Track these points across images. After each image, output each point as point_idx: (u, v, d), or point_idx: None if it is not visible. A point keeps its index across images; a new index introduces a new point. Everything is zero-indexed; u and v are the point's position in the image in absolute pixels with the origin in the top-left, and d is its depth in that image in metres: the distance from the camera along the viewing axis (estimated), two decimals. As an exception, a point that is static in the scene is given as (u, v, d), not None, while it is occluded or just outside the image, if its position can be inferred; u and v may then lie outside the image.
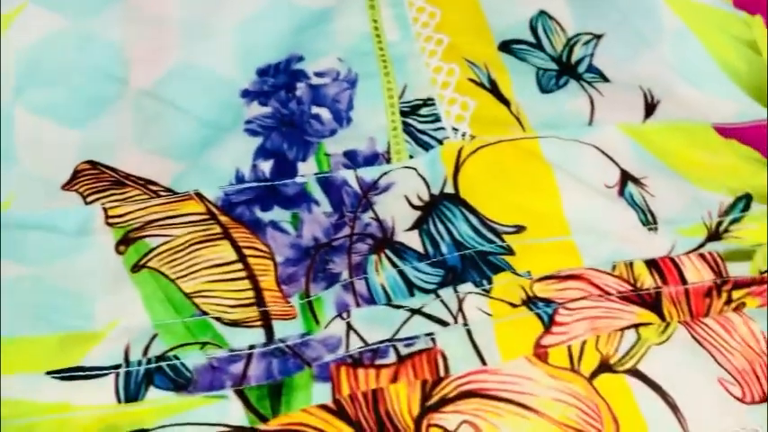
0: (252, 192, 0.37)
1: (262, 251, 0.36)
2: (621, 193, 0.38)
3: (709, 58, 0.42)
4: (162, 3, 0.41)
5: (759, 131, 0.40)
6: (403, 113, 0.40)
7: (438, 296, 0.35)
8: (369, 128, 0.39)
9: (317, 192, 0.38)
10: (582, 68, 0.42)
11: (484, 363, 0.33)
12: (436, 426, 0.32)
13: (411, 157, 0.39)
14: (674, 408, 0.33)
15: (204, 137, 0.39)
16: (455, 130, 0.39)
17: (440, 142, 0.39)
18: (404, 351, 0.34)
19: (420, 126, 0.39)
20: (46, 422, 0.31)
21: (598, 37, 0.43)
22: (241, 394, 0.32)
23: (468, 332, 0.34)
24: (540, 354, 0.34)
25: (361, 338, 0.34)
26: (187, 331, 0.34)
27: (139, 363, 0.33)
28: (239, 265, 0.35)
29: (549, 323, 0.34)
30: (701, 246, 0.37)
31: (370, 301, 0.35)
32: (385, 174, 0.38)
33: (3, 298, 0.34)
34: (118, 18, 0.41)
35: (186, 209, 0.37)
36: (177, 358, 0.33)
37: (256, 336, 0.34)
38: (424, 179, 0.38)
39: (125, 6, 0.41)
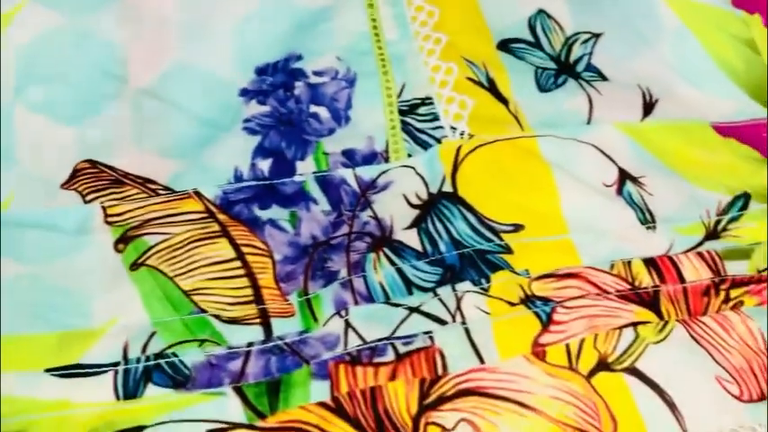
0: (250, 190, 0.37)
1: (260, 249, 0.36)
2: (620, 191, 0.38)
3: (708, 57, 0.42)
4: (160, 2, 0.41)
5: (757, 130, 0.40)
6: (401, 112, 0.40)
7: (436, 294, 0.35)
8: (367, 127, 0.39)
9: (315, 190, 0.38)
10: (580, 67, 0.42)
11: (482, 361, 0.33)
12: (434, 424, 0.32)
13: (409, 155, 0.39)
14: (671, 406, 0.33)
15: (203, 136, 0.39)
16: (453, 128, 0.39)
17: (438, 141, 0.39)
18: (402, 349, 0.34)
19: (418, 125, 0.40)
20: (45, 419, 0.31)
21: (597, 36, 0.43)
22: (239, 391, 0.32)
23: (467, 331, 0.34)
24: (538, 352, 0.34)
25: (360, 336, 0.34)
26: (186, 329, 0.34)
27: (138, 360, 0.33)
28: (238, 263, 0.35)
29: (547, 322, 0.34)
30: (700, 244, 0.37)
31: (369, 299, 0.35)
32: (383, 172, 0.38)
33: (2, 296, 0.34)
34: (116, 17, 0.41)
35: (185, 207, 0.37)
36: (176, 356, 0.33)
37: (255, 333, 0.34)
38: (422, 178, 0.38)
39: (123, 5, 0.41)
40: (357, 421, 0.32)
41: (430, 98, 0.40)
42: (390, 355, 0.33)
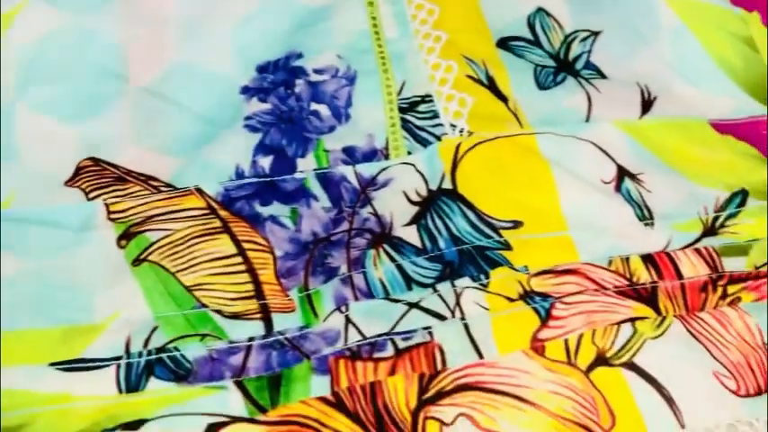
0: (251, 187, 0.38)
1: (261, 245, 0.36)
2: (618, 188, 0.38)
3: (706, 55, 0.42)
4: (161, 1, 0.42)
5: (756, 127, 0.41)
6: (401, 110, 0.40)
7: (436, 290, 0.35)
8: (367, 124, 0.40)
9: (315, 187, 0.38)
10: (579, 65, 0.42)
11: (481, 356, 0.34)
12: (433, 418, 0.32)
13: (409, 153, 0.39)
14: (669, 400, 0.33)
15: (204, 133, 0.39)
16: (453, 126, 0.40)
17: (438, 138, 0.39)
18: (402, 344, 0.34)
19: (418, 122, 0.40)
20: (47, 412, 0.32)
21: (596, 34, 0.43)
22: (240, 385, 0.33)
23: (466, 326, 0.34)
24: (537, 347, 0.34)
25: (360, 332, 0.34)
26: (187, 323, 0.34)
27: (140, 354, 0.33)
28: (239, 259, 0.36)
29: (545, 317, 0.34)
30: (697, 241, 0.37)
31: (369, 294, 0.35)
32: (383, 170, 0.38)
33: (5, 292, 0.34)
34: (117, 16, 0.41)
35: (187, 204, 0.37)
36: (177, 350, 0.33)
37: (255, 328, 0.34)
38: (422, 175, 0.38)
39: (124, 5, 0.41)
40: (357, 416, 0.32)
41: (430, 96, 0.40)
42: (390, 351, 0.34)
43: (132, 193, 0.37)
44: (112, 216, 0.37)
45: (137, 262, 0.35)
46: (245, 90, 0.40)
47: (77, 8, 0.41)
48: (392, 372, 0.33)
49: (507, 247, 0.37)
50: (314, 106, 0.40)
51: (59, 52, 0.40)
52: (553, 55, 0.42)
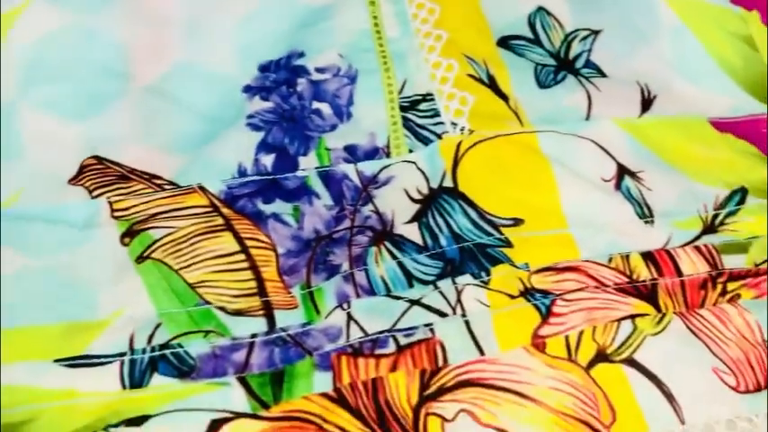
0: (254, 185, 0.38)
1: (263, 242, 0.36)
2: (618, 186, 0.38)
3: (706, 53, 0.42)
4: (163, 1, 0.42)
5: (755, 126, 0.41)
6: (402, 108, 0.40)
7: (437, 287, 0.35)
8: (369, 123, 0.40)
9: (317, 185, 0.38)
10: (579, 64, 0.42)
11: (482, 353, 0.34)
12: (434, 414, 0.33)
13: (410, 151, 0.39)
14: (669, 396, 0.33)
15: (207, 131, 0.39)
16: (454, 124, 0.40)
17: (439, 137, 0.39)
18: (403, 341, 0.34)
19: (419, 121, 0.40)
20: (52, 408, 0.32)
21: (596, 33, 0.43)
22: (243, 381, 0.33)
23: (467, 323, 0.34)
24: (538, 344, 0.34)
25: (362, 328, 0.34)
26: (191, 320, 0.34)
27: (144, 351, 0.33)
28: (242, 256, 0.36)
29: (546, 314, 0.35)
30: (697, 238, 0.37)
31: (370, 291, 0.35)
32: (385, 168, 0.39)
33: (9, 288, 0.34)
34: (119, 15, 0.41)
35: (190, 202, 0.37)
36: (181, 346, 0.33)
37: (258, 325, 0.34)
38: (423, 173, 0.39)
39: (126, 4, 0.41)
40: (358, 412, 0.33)
41: (431, 94, 0.41)
42: (391, 347, 0.34)
43: (136, 191, 0.37)
44: (116, 214, 0.37)
45: (140, 259, 0.36)
46: (248, 89, 0.40)
47: (79, 8, 0.41)
48: (394, 368, 0.33)
49: (508, 244, 0.37)
50: (316, 105, 0.40)
51: (62, 51, 0.40)
52: (553, 54, 0.42)
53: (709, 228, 0.38)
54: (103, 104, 0.40)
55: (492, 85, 0.41)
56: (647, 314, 0.35)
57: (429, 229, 0.37)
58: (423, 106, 0.40)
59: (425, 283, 0.36)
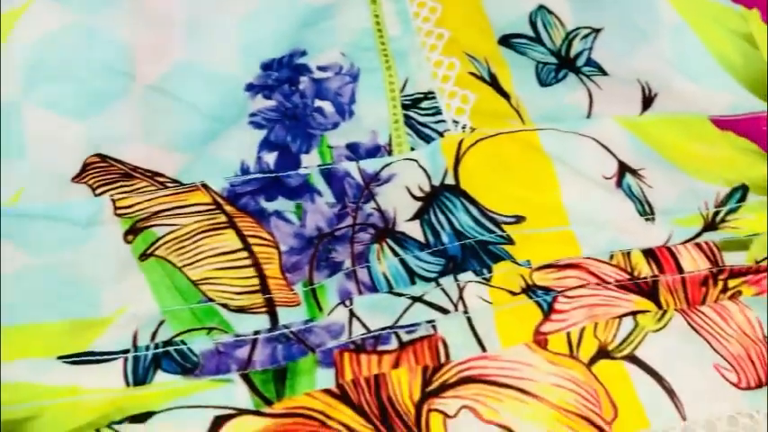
0: (256, 183, 0.38)
1: (266, 240, 0.36)
2: (619, 184, 0.39)
3: (707, 51, 0.42)
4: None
5: (756, 123, 0.41)
6: (404, 106, 0.40)
7: (439, 284, 0.36)
8: (371, 121, 0.40)
9: (320, 183, 0.38)
10: (581, 62, 0.42)
11: (484, 349, 0.34)
12: (436, 411, 0.33)
13: (412, 149, 0.39)
14: (670, 393, 0.33)
15: (210, 130, 0.39)
16: (455, 122, 0.40)
17: (440, 135, 0.39)
18: (405, 338, 0.34)
19: (421, 119, 0.40)
20: (55, 405, 0.32)
21: (597, 31, 0.43)
22: (246, 378, 0.33)
23: (469, 320, 0.35)
24: (540, 340, 0.34)
25: (364, 325, 0.34)
26: (194, 317, 0.34)
27: (147, 348, 0.33)
28: (244, 254, 0.36)
29: (548, 311, 0.35)
30: (698, 235, 0.38)
31: (373, 289, 0.35)
32: (387, 165, 0.39)
33: (13, 286, 0.34)
34: (122, 15, 0.41)
35: (193, 199, 0.37)
36: (184, 343, 0.34)
37: (261, 322, 0.34)
38: (425, 171, 0.39)
39: (129, 3, 0.41)
40: (361, 408, 0.33)
41: (432, 93, 0.41)
42: (394, 344, 0.34)
43: (139, 188, 0.37)
44: (119, 212, 0.37)
45: (144, 257, 0.36)
46: (250, 87, 0.41)
47: (81, 7, 0.41)
48: (396, 365, 0.34)
49: (510, 241, 0.37)
50: (318, 103, 0.40)
51: (63, 51, 0.40)
52: (554, 52, 0.42)
53: (710, 225, 0.38)
54: (106, 103, 0.40)
55: (493, 83, 0.41)
56: (648, 311, 0.35)
57: (431, 226, 0.37)
58: (424, 104, 0.40)
59: (427, 280, 0.36)
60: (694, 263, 0.37)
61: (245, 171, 0.38)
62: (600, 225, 0.37)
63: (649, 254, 0.37)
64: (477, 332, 0.34)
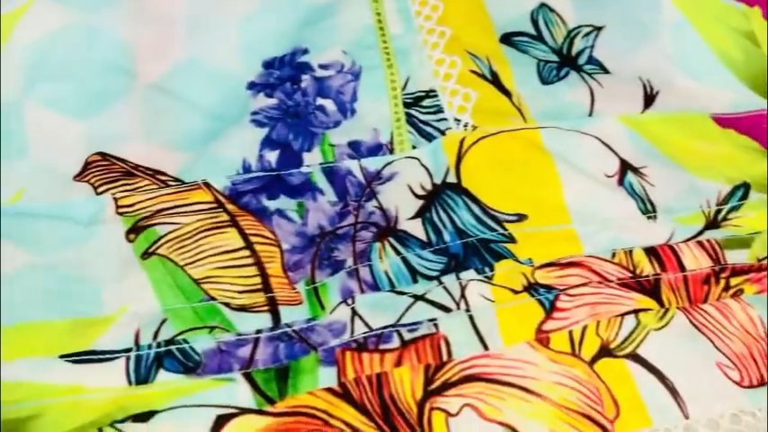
0: (258, 181, 0.38)
1: (268, 238, 0.36)
2: (621, 182, 0.39)
3: (708, 49, 0.42)
4: None
5: (757, 121, 0.41)
6: (406, 105, 0.40)
7: (441, 283, 0.36)
8: (372, 119, 0.40)
9: (321, 181, 0.38)
10: (582, 60, 0.42)
11: (486, 348, 0.34)
12: (439, 409, 0.33)
13: (414, 147, 0.39)
14: (673, 391, 0.33)
15: (211, 128, 0.39)
16: (457, 120, 0.40)
17: (442, 133, 0.39)
18: (407, 336, 0.34)
19: (422, 117, 0.40)
20: (58, 404, 0.32)
21: (598, 29, 0.43)
22: (249, 377, 0.33)
23: (471, 318, 0.35)
24: (542, 339, 0.34)
25: (366, 324, 0.34)
26: (196, 316, 0.34)
27: (149, 346, 0.33)
28: (246, 252, 0.36)
29: (550, 309, 0.35)
30: (700, 234, 0.38)
31: (375, 287, 0.35)
32: (388, 164, 0.39)
33: (14, 285, 0.34)
34: (124, 13, 0.41)
35: (194, 198, 0.37)
36: (186, 342, 0.34)
37: (263, 321, 0.34)
38: (426, 169, 0.39)
39: (130, 2, 0.41)
40: (363, 406, 0.33)
41: (434, 91, 0.41)
42: (396, 342, 0.34)
43: (140, 187, 0.37)
44: (121, 210, 0.37)
45: (145, 255, 0.36)
46: (252, 86, 0.41)
47: (84, 6, 0.41)
48: (398, 363, 0.34)
49: (512, 239, 0.37)
50: (320, 101, 0.40)
51: (66, 49, 0.40)
52: (556, 50, 0.42)
53: (712, 223, 0.38)
54: (107, 102, 0.40)
55: (495, 81, 0.41)
56: (650, 309, 0.35)
57: (433, 224, 0.37)
58: (426, 103, 0.40)
59: (429, 278, 0.36)
60: (696, 261, 0.37)
61: (246, 169, 0.38)
62: (602, 223, 0.37)
63: (651, 252, 0.37)
64: (479, 330, 0.34)
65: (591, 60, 0.42)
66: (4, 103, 0.39)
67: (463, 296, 0.35)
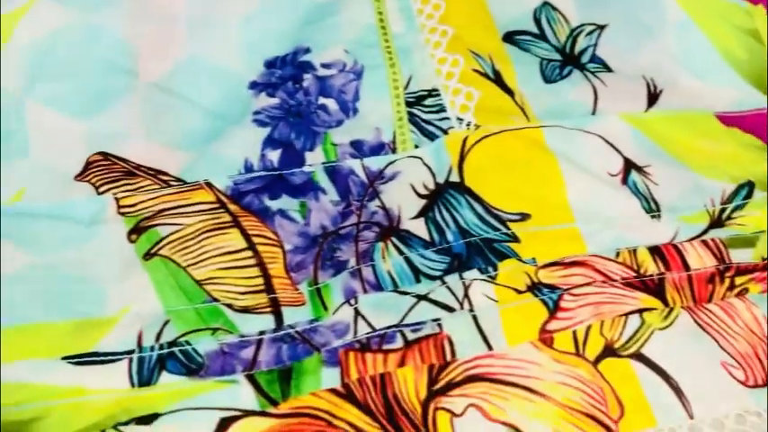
0: (260, 181, 0.38)
1: (270, 239, 0.36)
2: (625, 181, 0.38)
3: (712, 47, 0.42)
4: None
5: (760, 119, 0.41)
6: (408, 104, 0.40)
7: (444, 282, 0.35)
8: (375, 118, 0.40)
9: (324, 181, 0.38)
10: (585, 59, 0.42)
11: (490, 347, 0.34)
12: (443, 409, 0.33)
13: (416, 146, 0.39)
14: (677, 391, 0.33)
15: (213, 128, 0.39)
16: (460, 119, 0.40)
17: (445, 132, 0.39)
18: (411, 336, 0.34)
19: (425, 116, 0.40)
20: (61, 406, 0.32)
21: (601, 27, 0.43)
22: (252, 379, 0.33)
23: (474, 318, 0.35)
24: (546, 339, 0.34)
25: (369, 324, 0.34)
26: (198, 317, 0.34)
27: (152, 348, 0.33)
28: (249, 253, 0.36)
29: (554, 309, 0.35)
30: (704, 233, 0.37)
31: (378, 287, 0.35)
32: (391, 163, 0.39)
33: (14, 286, 0.34)
34: (125, 13, 0.41)
35: (196, 198, 0.37)
36: (189, 344, 0.33)
37: (266, 322, 0.34)
38: (429, 168, 0.39)
39: (132, 1, 0.41)
40: (367, 407, 0.33)
41: (436, 90, 0.41)
42: (399, 342, 0.34)
43: (142, 187, 0.37)
44: (122, 210, 0.37)
45: (148, 256, 0.36)
46: (254, 85, 0.40)
47: (84, 6, 0.41)
48: (402, 363, 0.33)
49: (515, 239, 0.37)
50: (322, 100, 0.40)
51: (67, 49, 0.40)
52: (559, 49, 0.42)
53: (716, 222, 0.38)
54: (108, 102, 0.40)
55: (497, 80, 0.41)
56: (654, 309, 0.35)
57: (435, 224, 0.37)
58: (428, 102, 0.40)
59: (432, 278, 0.36)
60: (701, 260, 0.37)
61: (248, 169, 0.38)
62: (605, 222, 0.37)
63: (655, 251, 0.37)
64: (482, 330, 0.34)
65: (594, 59, 0.42)
66: (4, 103, 0.39)
67: (467, 296, 0.35)
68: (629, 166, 0.39)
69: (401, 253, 0.36)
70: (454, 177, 0.38)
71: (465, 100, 0.40)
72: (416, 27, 0.42)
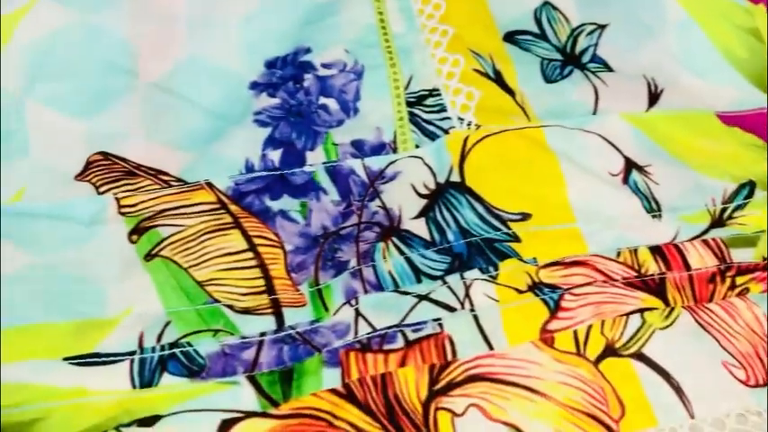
0: (261, 181, 0.38)
1: (271, 240, 0.36)
2: (626, 180, 0.38)
3: (712, 47, 0.42)
4: None
5: (761, 118, 0.41)
6: (409, 104, 0.40)
7: (445, 282, 0.35)
8: (375, 118, 0.40)
9: (325, 181, 0.38)
10: (586, 58, 0.42)
11: (491, 347, 0.34)
12: (444, 409, 0.33)
13: (417, 146, 0.39)
14: (678, 390, 0.33)
15: (214, 128, 0.39)
16: (460, 119, 0.40)
17: (445, 132, 0.39)
18: (412, 336, 0.34)
19: (426, 116, 0.40)
20: (63, 407, 0.32)
21: (602, 27, 0.43)
22: (253, 380, 0.33)
23: (475, 317, 0.35)
24: (547, 338, 0.34)
25: (370, 324, 0.34)
26: (200, 319, 0.34)
27: (153, 349, 0.33)
28: (250, 254, 0.36)
29: (554, 309, 0.35)
30: (705, 232, 0.37)
31: (378, 287, 0.35)
32: (391, 163, 0.39)
33: (17, 286, 0.34)
34: (125, 13, 0.41)
35: (197, 198, 0.37)
36: (190, 345, 0.33)
37: (267, 323, 0.34)
38: (430, 168, 0.39)
39: (132, 1, 0.41)
40: (368, 407, 0.33)
41: (437, 90, 0.40)
42: (400, 342, 0.34)
43: (142, 187, 0.37)
44: (123, 210, 0.37)
45: (149, 257, 0.36)
46: (254, 85, 0.40)
47: (84, 6, 0.41)
48: (402, 363, 0.33)
49: (516, 239, 0.37)
50: (322, 100, 0.40)
51: (67, 49, 0.40)
52: (560, 48, 0.42)
53: (718, 221, 0.38)
54: (108, 101, 0.40)
55: (498, 80, 0.41)
56: (655, 308, 0.35)
57: (436, 223, 0.37)
58: (429, 101, 0.40)
59: (433, 278, 0.36)
60: (702, 260, 0.37)
61: (249, 169, 0.38)
62: (606, 222, 0.37)
63: (656, 251, 0.37)
64: (483, 330, 0.34)
65: (595, 59, 0.42)
66: (4, 103, 0.39)
67: (467, 296, 0.35)
68: (630, 165, 0.39)
69: (402, 253, 0.36)
70: (455, 177, 0.38)
71: (466, 100, 0.40)
72: (417, 27, 0.42)
